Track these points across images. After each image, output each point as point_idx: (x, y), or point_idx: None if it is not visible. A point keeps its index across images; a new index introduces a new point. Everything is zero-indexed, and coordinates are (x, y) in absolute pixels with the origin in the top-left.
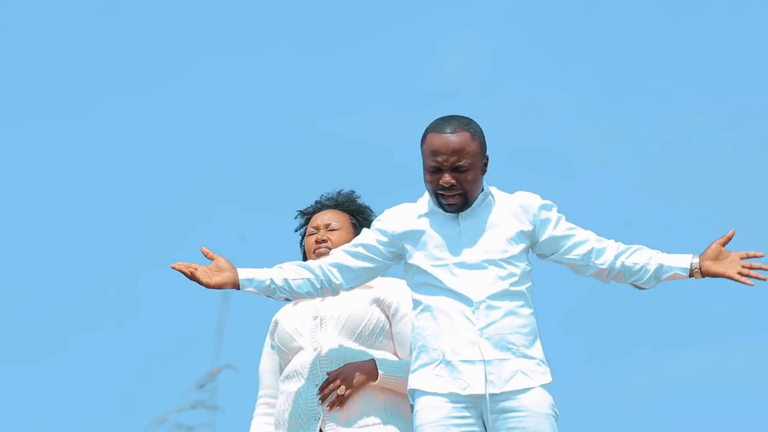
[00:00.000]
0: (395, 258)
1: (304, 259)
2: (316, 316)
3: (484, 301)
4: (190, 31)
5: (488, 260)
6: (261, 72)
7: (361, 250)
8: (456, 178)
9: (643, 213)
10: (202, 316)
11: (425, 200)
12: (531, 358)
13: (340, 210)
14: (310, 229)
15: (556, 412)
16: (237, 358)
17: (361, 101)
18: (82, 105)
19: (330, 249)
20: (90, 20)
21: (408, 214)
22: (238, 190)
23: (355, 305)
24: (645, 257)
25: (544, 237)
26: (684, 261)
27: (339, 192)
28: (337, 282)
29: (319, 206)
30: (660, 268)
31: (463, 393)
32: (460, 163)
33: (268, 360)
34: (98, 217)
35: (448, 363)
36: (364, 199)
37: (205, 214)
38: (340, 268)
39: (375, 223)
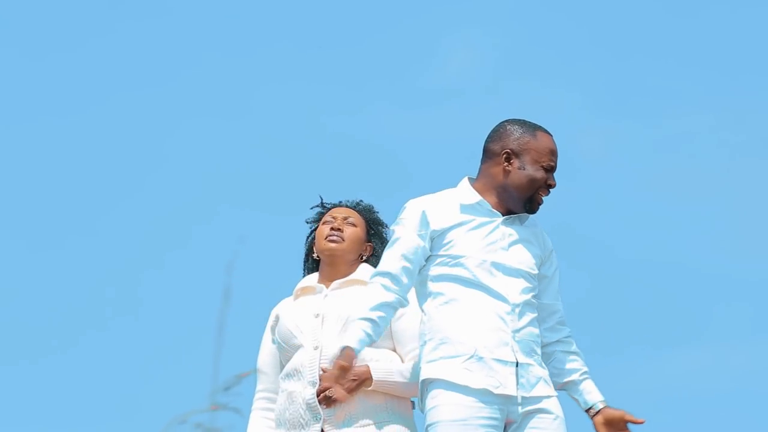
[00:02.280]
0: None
1: (309, 249)
2: (317, 314)
3: (519, 305)
4: (194, 30)
5: (521, 270)
6: (264, 70)
7: (416, 264)
8: (552, 186)
9: (646, 212)
10: (203, 314)
11: (461, 193)
12: (544, 368)
13: (358, 213)
14: (326, 218)
15: None
16: (237, 357)
17: (365, 100)
18: (84, 104)
19: (342, 240)
20: (91, 19)
21: (445, 205)
22: (240, 190)
23: (357, 303)
24: (573, 366)
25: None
26: (591, 398)
27: (360, 200)
28: (406, 304)
29: (339, 204)
30: (572, 385)
31: (495, 391)
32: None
33: (267, 354)
34: (100, 217)
35: (480, 359)
36: (368, 198)
37: (207, 214)
38: (410, 290)
39: (412, 223)
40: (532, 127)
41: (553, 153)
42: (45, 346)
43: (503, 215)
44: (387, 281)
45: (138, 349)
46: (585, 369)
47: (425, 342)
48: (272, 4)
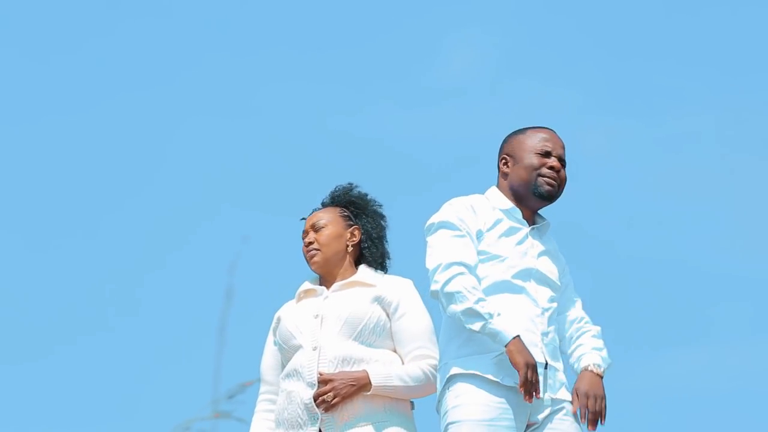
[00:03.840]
0: None
1: None
2: (317, 315)
3: (548, 309)
4: (196, 30)
5: (549, 279)
6: (267, 70)
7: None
8: (559, 168)
9: (647, 211)
10: (205, 315)
11: (496, 198)
12: (564, 376)
13: (332, 205)
14: (302, 233)
15: None
16: (239, 358)
17: (368, 99)
18: (86, 104)
19: (318, 251)
20: (94, 18)
21: (485, 205)
22: (243, 189)
23: (356, 304)
24: (587, 341)
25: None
26: (589, 359)
27: (336, 187)
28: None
29: (316, 209)
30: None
31: None
32: (564, 159)
33: (269, 356)
34: (101, 217)
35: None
36: (372, 197)
37: (209, 214)
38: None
39: (467, 218)
40: (525, 128)
41: (547, 139)
42: (45, 346)
43: (529, 225)
44: (464, 269)
45: (139, 349)
46: (594, 344)
47: (450, 338)
48: (275, 5)
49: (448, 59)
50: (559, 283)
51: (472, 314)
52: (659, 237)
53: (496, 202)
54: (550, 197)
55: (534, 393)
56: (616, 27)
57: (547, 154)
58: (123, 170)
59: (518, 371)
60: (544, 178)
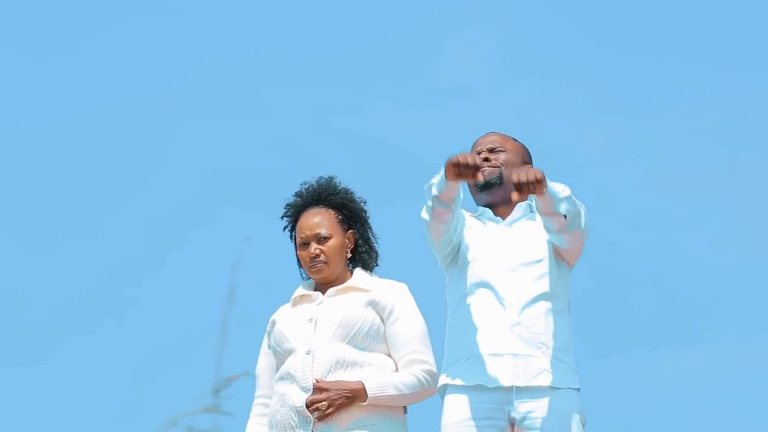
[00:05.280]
0: (454, 247)
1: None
2: (311, 319)
3: (518, 298)
4: (199, 29)
5: (524, 263)
6: (270, 70)
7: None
8: (491, 157)
9: (649, 210)
10: (206, 315)
11: (474, 210)
12: (561, 361)
13: (324, 206)
14: (300, 238)
15: (582, 417)
16: (240, 359)
17: (371, 99)
18: (87, 103)
19: (326, 263)
20: (94, 18)
21: (466, 214)
22: (245, 189)
23: (350, 308)
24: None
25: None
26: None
27: (318, 182)
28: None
29: (304, 203)
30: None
31: (490, 386)
32: (496, 146)
33: (265, 360)
34: (101, 217)
35: (477, 357)
36: (374, 197)
37: (210, 214)
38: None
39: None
40: None
41: (474, 145)
42: (43, 347)
43: (503, 219)
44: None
45: (140, 350)
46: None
47: (443, 353)
48: (278, 4)
49: (451, 59)
50: (541, 258)
51: (428, 187)
52: (660, 236)
53: (472, 210)
54: (490, 183)
55: (472, 171)
56: (617, 26)
57: (481, 152)
58: (123, 170)
59: (451, 167)
60: (480, 170)
